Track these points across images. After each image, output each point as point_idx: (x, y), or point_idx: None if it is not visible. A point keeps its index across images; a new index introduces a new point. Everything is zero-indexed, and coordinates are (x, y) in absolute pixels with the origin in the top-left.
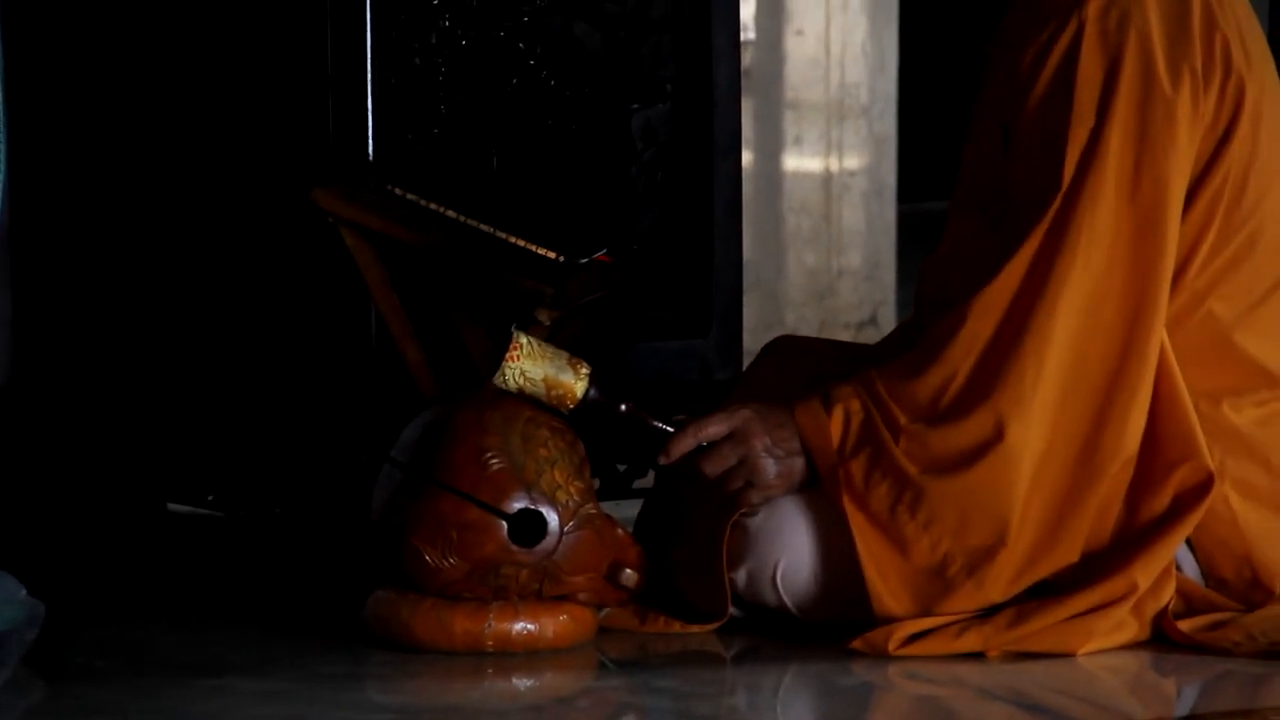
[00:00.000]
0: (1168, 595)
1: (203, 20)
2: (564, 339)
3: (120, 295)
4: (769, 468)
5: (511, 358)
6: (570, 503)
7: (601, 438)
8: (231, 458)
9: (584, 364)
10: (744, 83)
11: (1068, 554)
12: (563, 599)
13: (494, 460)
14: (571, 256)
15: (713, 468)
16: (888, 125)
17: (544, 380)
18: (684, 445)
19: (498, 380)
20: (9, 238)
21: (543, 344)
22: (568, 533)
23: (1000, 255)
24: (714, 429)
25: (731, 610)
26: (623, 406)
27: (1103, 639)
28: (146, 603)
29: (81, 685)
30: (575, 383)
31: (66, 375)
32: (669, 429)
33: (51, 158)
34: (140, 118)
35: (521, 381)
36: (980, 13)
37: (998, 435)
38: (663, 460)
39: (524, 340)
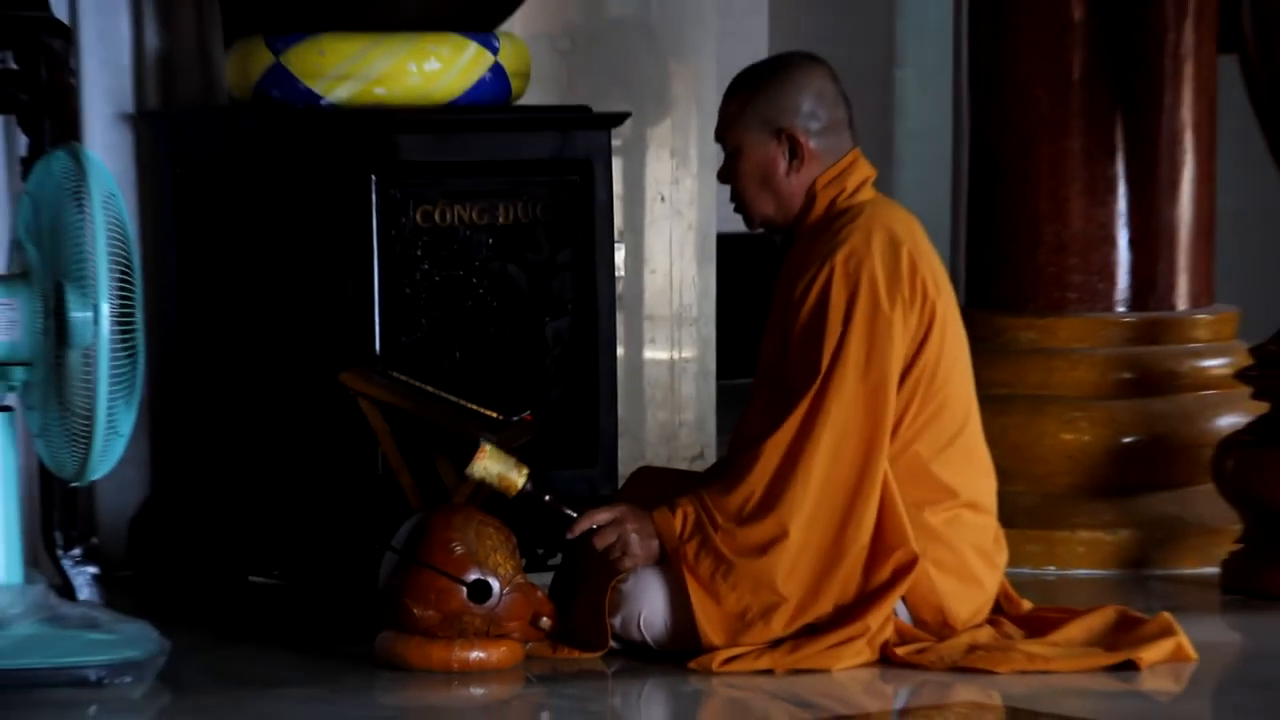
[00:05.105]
0: (889, 631)
1: (271, 261)
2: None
3: (220, 432)
4: (636, 544)
5: (480, 455)
6: (507, 575)
7: (528, 529)
8: (290, 547)
9: (525, 466)
10: (617, 304)
11: (824, 607)
12: (502, 637)
13: (457, 548)
14: (507, 416)
15: (600, 541)
16: (709, 330)
17: (498, 475)
18: (583, 525)
19: (470, 470)
20: (152, 401)
21: (499, 451)
22: (505, 594)
23: (782, 414)
24: (601, 515)
25: (611, 643)
26: (546, 497)
27: (848, 660)
28: (235, 640)
29: (193, 693)
30: (518, 478)
31: (188, 487)
32: (574, 514)
33: (173, 331)
34: (233, 320)
35: (484, 473)
36: (769, 260)
37: (784, 534)
38: (569, 535)
39: (488, 447)
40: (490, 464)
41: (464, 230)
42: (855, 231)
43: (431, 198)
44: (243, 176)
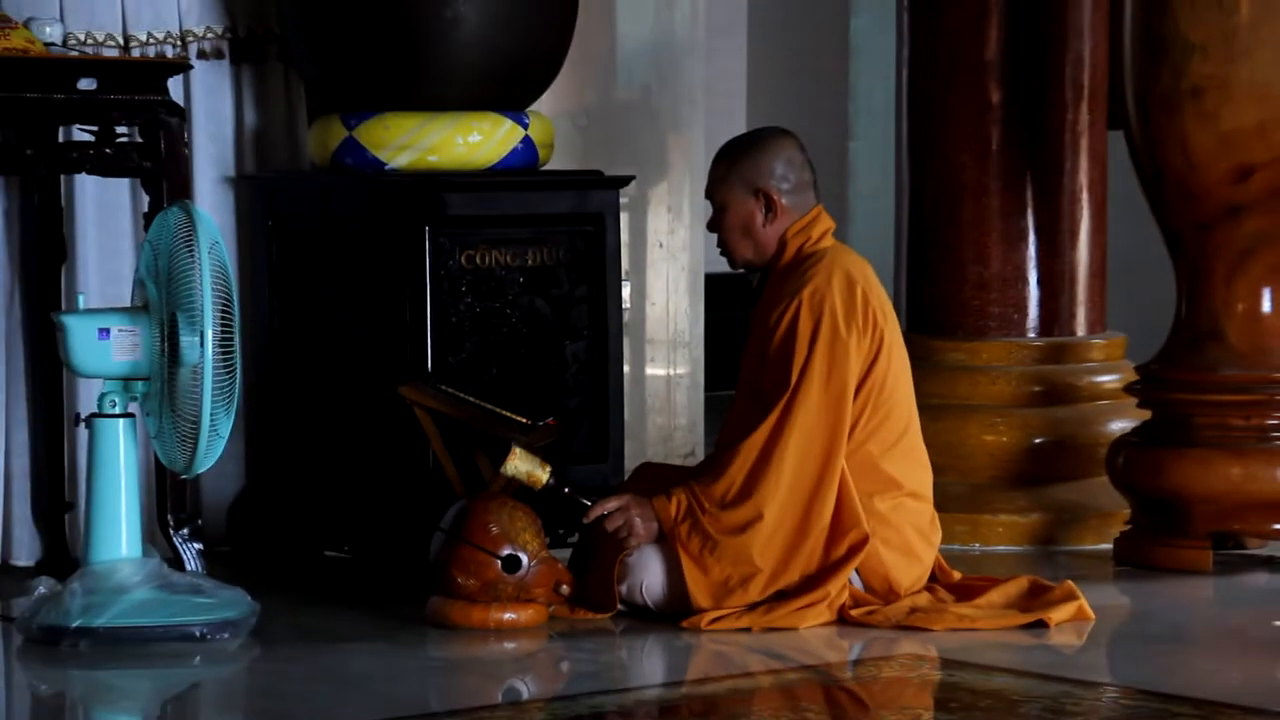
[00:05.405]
0: (845, 596)
1: (345, 296)
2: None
3: (302, 434)
4: (639, 526)
5: (512, 456)
6: (534, 550)
7: (552, 515)
8: (358, 527)
9: (548, 465)
10: (624, 330)
11: (792, 577)
12: (530, 601)
13: (494, 528)
14: (535, 420)
15: (610, 524)
16: (699, 351)
17: (526, 472)
18: (596, 511)
19: (502, 469)
20: (247, 409)
21: (527, 452)
22: (533, 566)
23: (758, 419)
24: (611, 504)
25: (619, 606)
26: (566, 490)
27: (812, 620)
28: (313, 603)
29: (278, 646)
30: (542, 475)
31: (276, 478)
32: (588, 503)
33: (265, 352)
34: (314, 343)
35: (514, 471)
36: (747, 294)
37: (759, 517)
38: (585, 520)
39: (517, 450)
40: (519, 463)
41: (500, 271)
42: (819, 272)
43: (473, 244)
44: (322, 228)
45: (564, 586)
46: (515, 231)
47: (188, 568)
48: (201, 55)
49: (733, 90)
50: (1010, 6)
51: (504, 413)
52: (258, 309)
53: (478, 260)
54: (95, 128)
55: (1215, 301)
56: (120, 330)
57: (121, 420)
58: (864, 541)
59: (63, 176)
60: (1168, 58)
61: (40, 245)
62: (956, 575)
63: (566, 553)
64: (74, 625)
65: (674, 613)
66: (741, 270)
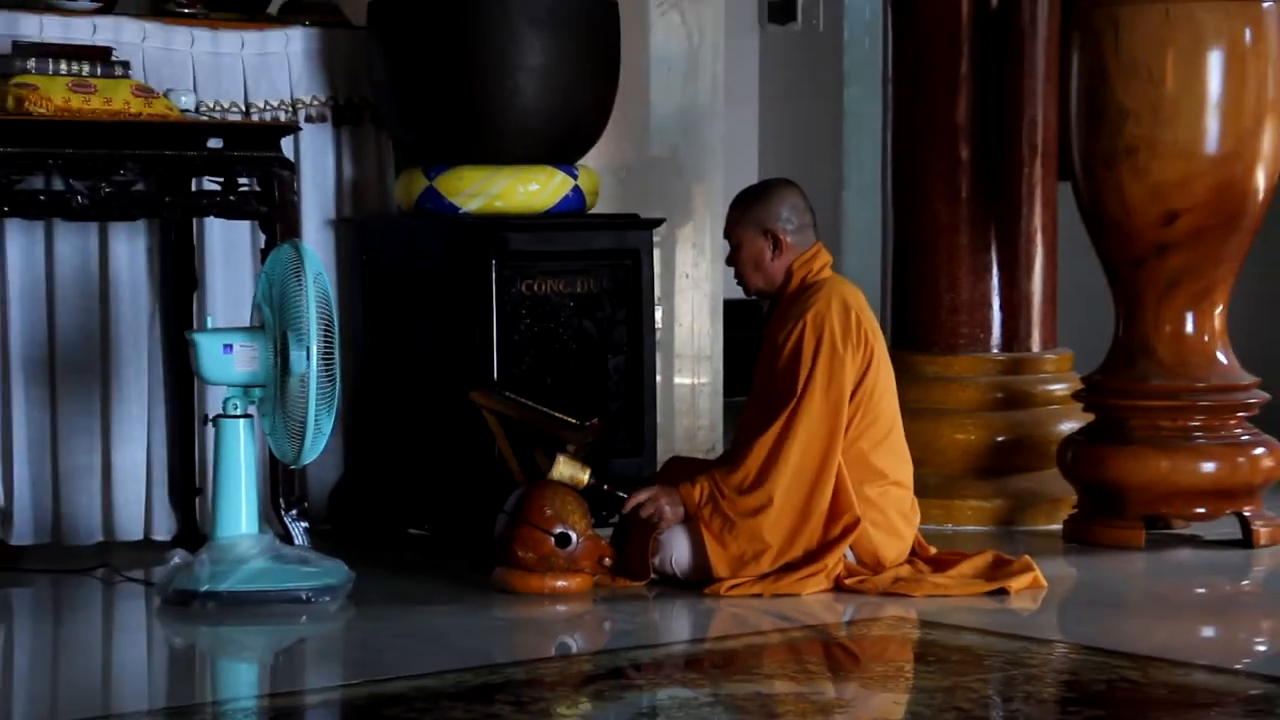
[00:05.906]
0: (840, 568)
1: (426, 318)
2: (581, 450)
3: (391, 432)
4: (668, 512)
5: (557, 464)
6: (582, 529)
7: (595, 503)
8: (437, 509)
9: (588, 468)
10: (657, 346)
11: (796, 552)
12: (578, 571)
13: (548, 510)
14: (583, 421)
15: (644, 513)
16: (719, 364)
17: (570, 476)
18: (631, 503)
19: (550, 474)
20: (345, 411)
21: (570, 459)
22: (580, 542)
23: (769, 421)
24: (642, 496)
25: (652, 576)
26: (605, 487)
27: (813, 588)
28: (399, 572)
29: (370, 607)
30: (583, 476)
31: (369, 468)
32: (624, 496)
33: (360, 364)
34: (401, 356)
35: (559, 475)
36: (758, 318)
37: (769, 502)
38: (622, 511)
39: (561, 457)
40: (564, 469)
41: (554, 297)
42: (820, 299)
43: (532, 275)
44: (407, 261)
45: (606, 559)
46: (567, 264)
47: (296, 542)
48: (309, 119)
49: (746, 148)
50: (977, 79)
51: (557, 415)
52: (354, 328)
53: (535, 288)
54: (221, 179)
55: (1146, 324)
56: (241, 346)
57: (242, 420)
58: (856, 523)
59: (195, 219)
60: (1107, 122)
61: (176, 276)
62: (932, 550)
63: (608, 531)
64: (202, 589)
65: (698, 581)
66: (754, 297)
